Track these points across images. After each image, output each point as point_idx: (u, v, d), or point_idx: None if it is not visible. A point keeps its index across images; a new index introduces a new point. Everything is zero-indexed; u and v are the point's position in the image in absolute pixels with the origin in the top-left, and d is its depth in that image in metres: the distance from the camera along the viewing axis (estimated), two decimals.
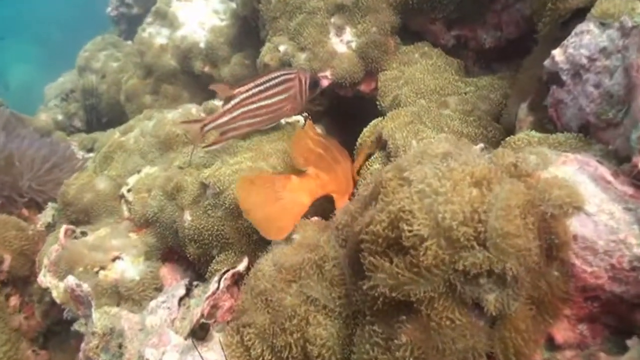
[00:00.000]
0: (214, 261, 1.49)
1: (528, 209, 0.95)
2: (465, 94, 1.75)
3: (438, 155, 0.98)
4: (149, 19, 2.79)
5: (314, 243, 1.26)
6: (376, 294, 0.95)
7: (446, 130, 1.59)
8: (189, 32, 2.62)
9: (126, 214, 1.75)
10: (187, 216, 1.55)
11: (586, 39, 1.16)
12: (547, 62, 1.25)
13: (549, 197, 0.99)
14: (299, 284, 1.15)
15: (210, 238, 1.51)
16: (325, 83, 2.02)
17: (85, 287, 1.27)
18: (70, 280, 1.28)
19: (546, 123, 1.31)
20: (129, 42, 3.46)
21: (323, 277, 1.13)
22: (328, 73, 2.01)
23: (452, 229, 0.87)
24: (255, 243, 1.48)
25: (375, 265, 0.96)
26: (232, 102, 1.64)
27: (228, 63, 2.58)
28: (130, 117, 2.75)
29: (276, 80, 1.69)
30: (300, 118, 1.99)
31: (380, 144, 1.64)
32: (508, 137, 1.21)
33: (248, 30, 2.58)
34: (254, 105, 1.66)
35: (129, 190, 1.76)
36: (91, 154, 2.55)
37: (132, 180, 1.79)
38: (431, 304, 0.92)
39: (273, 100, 1.68)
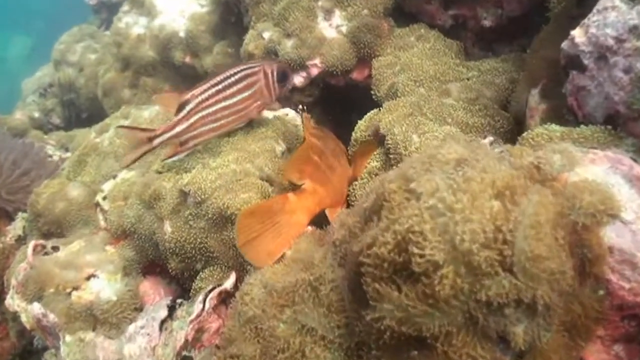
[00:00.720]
0: (198, 277, 1.35)
1: (558, 221, 0.81)
2: (468, 79, 1.59)
3: (450, 162, 0.83)
4: (125, 8, 2.61)
5: (307, 259, 1.11)
6: (382, 327, 0.81)
7: (449, 121, 1.44)
8: (168, 21, 2.45)
9: (102, 223, 1.60)
10: (167, 227, 1.40)
11: (612, 17, 1.01)
12: (565, 45, 1.10)
13: (579, 205, 0.85)
14: (293, 310, 1.01)
15: (193, 251, 1.36)
16: (315, 72, 1.87)
17: (52, 317, 1.12)
18: (36, 309, 1.14)
19: (565, 113, 1.16)
20: (107, 33, 3.27)
21: (320, 302, 0.98)
22: (317, 61, 1.85)
23: (472, 253, 0.73)
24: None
25: (381, 294, 0.81)
26: (187, 108, 1.49)
27: (210, 52, 2.41)
28: (109, 113, 2.60)
29: (236, 77, 1.54)
30: (289, 111, 1.84)
31: (378, 138, 1.49)
32: (525, 133, 1.06)
33: (231, 17, 2.41)
34: (214, 108, 1.51)
35: (104, 198, 1.60)
36: (70, 154, 2.38)
37: (107, 187, 1.63)
38: (448, 339, 0.78)
39: (235, 99, 1.53)
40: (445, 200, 0.77)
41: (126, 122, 1.79)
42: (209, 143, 1.58)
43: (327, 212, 1.30)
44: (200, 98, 1.50)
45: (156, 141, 1.47)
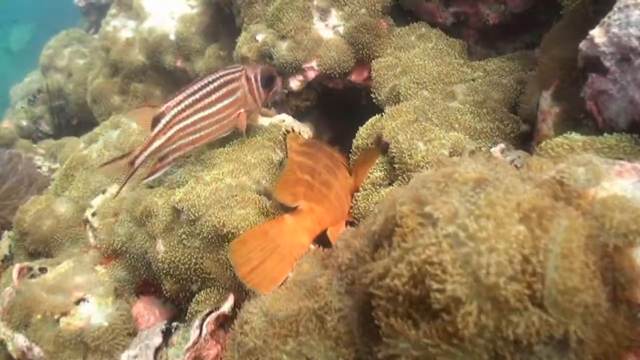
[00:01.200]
0: (194, 300, 1.27)
1: (588, 245, 0.73)
2: (474, 80, 1.52)
3: (468, 182, 0.75)
4: (112, 11, 2.52)
5: (311, 283, 1.03)
6: None
7: (457, 127, 1.36)
8: (157, 23, 2.36)
9: (92, 241, 1.52)
10: (160, 246, 1.32)
11: (636, 15, 0.94)
12: (583, 45, 1.02)
13: (609, 225, 0.78)
14: (297, 341, 0.93)
15: (188, 272, 1.28)
16: (311, 75, 1.79)
17: (37, 351, 1.05)
18: (20, 342, 1.06)
19: (582, 117, 1.08)
20: (96, 36, 3.17)
21: (326, 333, 0.91)
22: (314, 63, 1.77)
23: (499, 288, 0.65)
24: None
25: (395, 330, 0.74)
26: (163, 122, 1.39)
27: (202, 55, 2.33)
28: (99, 121, 2.51)
29: (215, 84, 1.44)
30: (286, 117, 1.75)
31: (381, 146, 1.41)
32: (543, 143, 0.98)
33: (222, 17, 2.32)
34: (192, 119, 1.42)
35: (93, 214, 1.52)
36: (59, 165, 2.30)
37: (96, 202, 1.55)
38: None
39: (216, 107, 1.44)
40: (467, 228, 0.69)
41: (115, 133, 1.70)
42: (202, 154, 1.50)
43: (328, 232, 1.22)
44: (176, 110, 1.40)
45: (137, 162, 1.39)
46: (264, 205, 1.28)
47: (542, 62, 1.31)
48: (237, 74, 1.48)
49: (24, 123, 3.02)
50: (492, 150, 1.22)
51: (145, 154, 1.39)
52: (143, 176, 1.44)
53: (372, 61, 1.71)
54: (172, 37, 2.34)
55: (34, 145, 2.63)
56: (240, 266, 1.09)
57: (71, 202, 1.58)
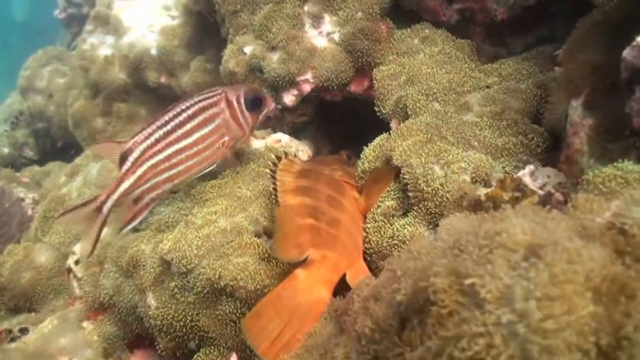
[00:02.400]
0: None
1: None
2: (488, 87, 1.36)
3: (519, 249, 0.60)
4: (89, 27, 2.35)
5: (324, 348, 0.89)
6: None
7: (475, 144, 1.21)
8: (137, 38, 2.20)
9: (77, 291, 1.38)
10: (151, 300, 1.17)
11: None
12: (629, 54, 0.87)
13: None
14: None
15: (184, 330, 1.13)
16: (306, 88, 1.63)
17: None
18: None
19: (627, 136, 0.93)
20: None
21: None
22: (309, 76, 1.61)
23: None
24: None
25: None
26: (131, 159, 1.24)
27: (187, 69, 2.17)
28: (84, 146, 2.36)
29: (189, 112, 1.27)
30: (282, 136, 1.60)
31: (390, 167, 1.26)
32: (590, 175, 0.82)
33: (206, 27, 2.16)
34: (165, 153, 1.26)
35: (76, 263, 1.37)
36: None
37: (79, 249, 1.40)
38: None
39: (192, 138, 1.27)
40: (527, 315, 0.54)
41: (95, 168, 1.55)
42: (191, 188, 1.34)
43: (347, 278, 1.06)
44: (145, 144, 1.24)
45: (105, 209, 1.23)
46: (263, 250, 1.13)
47: (568, 67, 1.15)
48: (215, 99, 1.31)
49: (6, 150, 2.86)
50: (520, 174, 1.06)
51: (114, 197, 1.23)
52: (120, 227, 1.29)
53: (374, 70, 1.55)
54: (154, 51, 2.18)
55: (17, 175, 2.47)
56: (259, 344, 0.94)
57: (51, 249, 1.43)
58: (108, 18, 2.29)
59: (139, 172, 1.25)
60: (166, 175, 1.27)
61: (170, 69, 2.18)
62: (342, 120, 1.77)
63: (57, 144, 2.88)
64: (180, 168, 1.28)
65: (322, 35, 1.63)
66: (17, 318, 1.39)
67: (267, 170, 1.22)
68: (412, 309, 0.68)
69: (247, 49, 1.70)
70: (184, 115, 1.27)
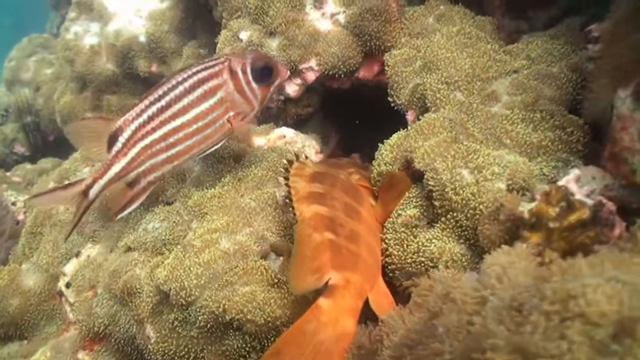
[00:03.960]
0: None
1: None
2: (516, 72, 1.21)
3: (605, 323, 0.47)
4: (72, 14, 2.18)
5: None
6: None
7: (507, 142, 1.06)
8: (124, 24, 2.03)
9: (71, 316, 1.25)
10: (150, 332, 1.05)
11: None
12: None
13: None
14: None
15: None
16: (311, 77, 1.48)
17: None
18: None
19: None
20: None
21: None
22: (313, 63, 1.46)
23: None
24: None
25: None
26: (121, 139, 1.10)
27: (180, 56, 2.01)
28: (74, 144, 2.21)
29: (186, 85, 1.12)
30: (286, 131, 1.46)
31: (411, 173, 1.12)
32: None
33: (197, 9, 1.99)
34: (161, 132, 1.12)
35: (67, 286, 1.25)
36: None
37: (69, 269, 1.28)
38: None
39: (191, 114, 1.13)
40: None
41: (85, 172, 1.41)
42: (188, 198, 1.21)
43: (372, 303, 0.92)
44: (137, 123, 1.11)
45: (92, 193, 1.10)
46: (272, 274, 1.00)
47: (614, 52, 0.99)
48: (216, 69, 1.14)
49: None
50: (565, 182, 0.92)
51: (102, 182, 1.10)
52: (114, 214, 1.17)
53: (385, 55, 1.39)
54: (143, 38, 2.01)
55: (8, 174, 2.33)
56: None
57: (40, 270, 1.30)
58: (92, 4, 2.12)
59: (131, 154, 1.11)
60: (163, 156, 1.13)
61: (161, 56, 2.02)
62: (350, 109, 1.62)
63: (49, 138, 2.73)
64: (179, 148, 1.14)
65: (326, 17, 1.47)
66: (7, 347, 1.27)
67: (281, 179, 1.09)
68: None
69: (243, 35, 1.54)
70: (181, 88, 1.12)
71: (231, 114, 1.17)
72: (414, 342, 0.69)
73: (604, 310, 0.47)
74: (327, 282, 0.89)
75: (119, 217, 1.17)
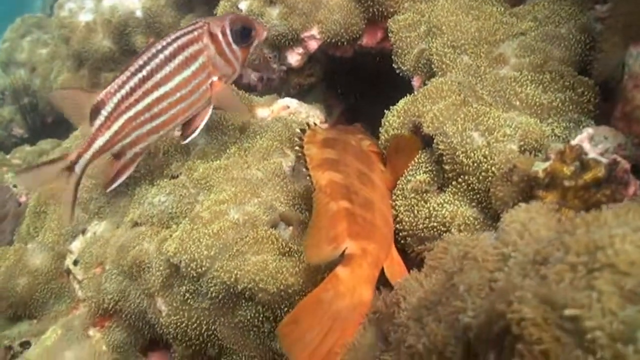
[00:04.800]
0: None
1: None
2: (524, 34, 1.18)
3: (635, 272, 0.46)
4: None
5: None
6: None
7: (517, 104, 1.05)
8: (119, 0, 2.00)
9: (80, 294, 1.24)
10: (161, 306, 1.04)
11: None
12: None
13: None
14: None
15: (201, 338, 1.01)
16: (313, 46, 1.46)
17: None
18: None
19: None
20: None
21: None
22: (315, 31, 1.44)
23: None
24: (267, 336, 0.98)
25: None
26: (104, 112, 1.09)
27: None
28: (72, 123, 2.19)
29: (167, 53, 1.11)
30: (289, 102, 1.44)
31: (419, 137, 1.10)
32: None
33: None
34: (145, 102, 1.11)
35: (75, 263, 1.24)
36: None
37: (76, 247, 1.27)
38: None
39: (174, 82, 1.11)
40: None
41: None
42: (194, 171, 1.19)
43: (387, 272, 0.91)
44: (119, 95, 1.09)
45: (77, 168, 1.09)
46: (283, 243, 0.99)
47: (624, 10, 0.98)
48: (196, 33, 1.13)
49: None
50: (578, 141, 0.91)
51: (86, 156, 1.10)
52: (104, 187, 1.17)
53: (389, 21, 1.36)
54: (139, 13, 1.98)
55: (7, 157, 2.31)
56: (297, 354, 0.81)
57: (46, 249, 1.29)
58: None
59: (115, 126, 1.10)
60: (148, 127, 1.13)
61: (159, 31, 1.99)
62: (353, 78, 1.60)
63: (47, 120, 2.71)
64: (164, 118, 1.14)
65: None
66: (17, 327, 1.26)
67: (296, 149, 1.08)
68: (484, 339, 0.55)
69: (243, 5, 1.51)
70: (161, 56, 1.10)
71: (214, 78, 1.16)
72: (432, 303, 0.69)
73: (633, 259, 0.46)
74: (343, 252, 0.88)
75: (109, 189, 1.18)
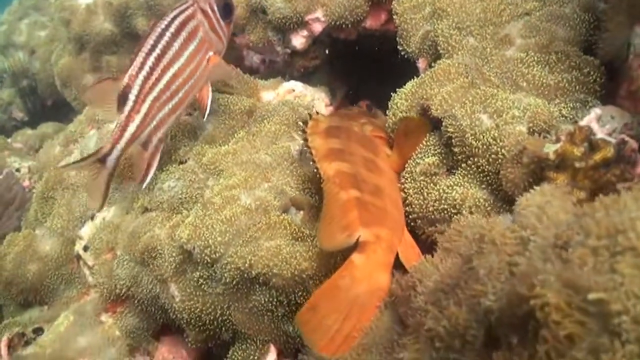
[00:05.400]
0: (228, 357, 1.02)
1: None
2: (528, 15, 1.18)
3: None
4: None
5: (384, 346, 0.78)
6: None
7: (524, 85, 1.05)
8: None
9: (90, 279, 1.25)
10: (174, 291, 1.05)
11: None
12: None
13: None
14: None
15: (215, 323, 1.02)
16: (317, 28, 1.45)
17: None
18: None
19: None
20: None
21: None
22: (319, 13, 1.43)
23: None
24: (282, 320, 0.99)
25: None
26: (132, 96, 1.09)
27: None
28: (75, 106, 2.19)
29: (172, 30, 1.12)
30: (294, 85, 1.44)
31: (427, 119, 1.11)
32: None
33: None
34: (165, 81, 1.12)
35: (85, 249, 1.25)
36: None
37: (85, 232, 1.27)
38: None
39: (184, 57, 1.14)
40: None
41: (92, 140, 1.39)
42: (202, 157, 1.20)
43: (401, 256, 0.93)
44: (142, 76, 1.09)
45: (110, 161, 1.09)
46: (295, 228, 1.00)
47: None
48: (190, 11, 1.15)
49: None
50: (587, 121, 0.91)
51: (120, 146, 1.09)
52: (138, 183, 1.17)
53: (393, 2, 1.36)
54: None
55: (9, 141, 2.30)
56: (316, 341, 0.82)
57: (55, 235, 1.30)
58: None
59: (144, 109, 1.10)
60: (169, 107, 1.14)
61: (161, 13, 1.96)
62: (357, 60, 1.60)
63: (47, 103, 2.69)
64: (180, 95, 1.15)
65: None
66: (29, 313, 1.28)
67: (300, 141, 1.09)
68: (507, 322, 0.56)
69: None
70: (168, 34, 1.12)
71: (211, 53, 1.19)
72: (450, 287, 0.70)
73: None
74: (357, 240, 0.89)
75: (145, 184, 1.17)
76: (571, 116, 0.99)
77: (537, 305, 0.50)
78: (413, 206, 1.05)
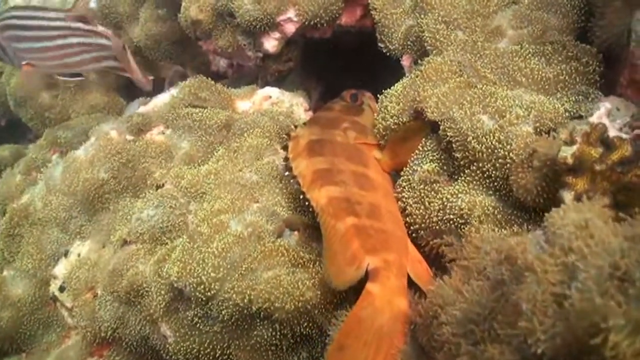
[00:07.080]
0: None
1: None
2: (516, 3, 1.12)
3: None
4: None
5: None
6: None
7: (523, 80, 0.99)
8: None
9: (70, 321, 1.16)
10: (166, 332, 0.97)
11: None
12: None
13: None
14: None
15: None
16: (290, 29, 1.37)
17: None
18: None
19: None
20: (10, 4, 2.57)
21: None
22: (291, 13, 1.35)
23: None
24: (287, 352, 0.92)
25: None
26: None
27: (136, 20, 1.85)
28: (32, 126, 2.05)
29: None
30: (270, 91, 1.36)
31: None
32: None
33: None
34: None
35: (61, 289, 1.15)
36: None
37: (60, 271, 1.17)
38: None
39: None
40: None
41: (58, 170, 1.27)
42: (181, 178, 1.11)
43: (410, 273, 0.87)
44: None
45: None
46: (293, 253, 0.92)
47: None
48: None
49: None
50: (597, 117, 0.86)
51: None
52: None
53: None
54: (93, 4, 1.84)
55: None
56: None
57: (27, 276, 1.19)
58: None
59: None
60: None
61: (116, 22, 1.86)
62: (331, 58, 1.52)
63: (0, 123, 2.54)
64: None
65: None
66: None
67: (284, 168, 1.03)
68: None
69: None
70: None
71: None
72: (481, 317, 0.63)
73: None
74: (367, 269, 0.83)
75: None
76: (574, 111, 0.93)
77: (609, 353, 0.44)
78: (414, 217, 0.99)
